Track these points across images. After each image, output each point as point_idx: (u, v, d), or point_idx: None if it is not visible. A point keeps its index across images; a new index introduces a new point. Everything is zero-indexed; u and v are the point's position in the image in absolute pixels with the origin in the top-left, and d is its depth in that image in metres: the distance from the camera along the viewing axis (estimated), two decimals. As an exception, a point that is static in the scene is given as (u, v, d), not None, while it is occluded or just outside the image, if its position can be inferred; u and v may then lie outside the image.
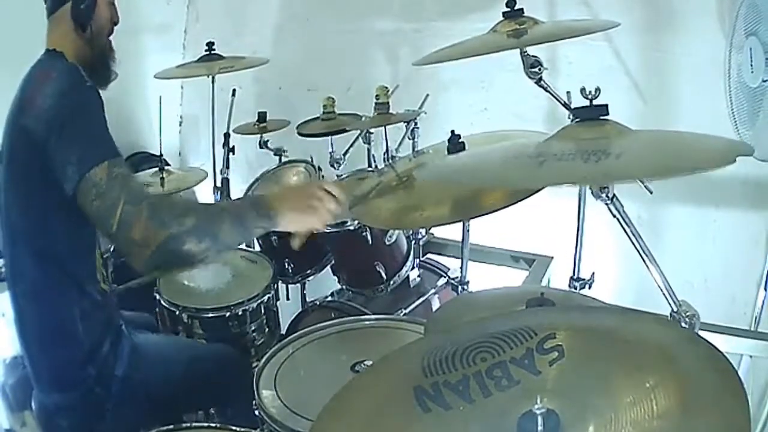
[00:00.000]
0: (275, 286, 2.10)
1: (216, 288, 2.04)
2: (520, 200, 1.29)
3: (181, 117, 3.44)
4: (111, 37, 1.57)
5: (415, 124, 2.08)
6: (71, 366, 1.48)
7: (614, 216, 1.03)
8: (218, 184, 2.54)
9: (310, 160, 2.31)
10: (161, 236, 1.24)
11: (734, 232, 2.20)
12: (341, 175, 2.24)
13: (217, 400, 1.63)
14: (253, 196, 1.36)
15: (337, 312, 1.94)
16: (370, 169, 2.25)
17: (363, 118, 2.16)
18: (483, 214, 1.37)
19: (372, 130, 2.24)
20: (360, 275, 2.07)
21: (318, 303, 2.13)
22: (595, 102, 1.04)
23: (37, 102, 1.36)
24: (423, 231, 2.18)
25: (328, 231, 1.98)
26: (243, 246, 2.36)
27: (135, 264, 1.29)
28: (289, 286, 2.35)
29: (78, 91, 1.39)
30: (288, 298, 2.37)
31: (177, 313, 1.91)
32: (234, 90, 2.48)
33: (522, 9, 1.44)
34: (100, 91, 1.46)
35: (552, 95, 1.40)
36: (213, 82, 2.50)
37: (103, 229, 1.31)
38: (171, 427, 1.29)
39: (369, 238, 1.93)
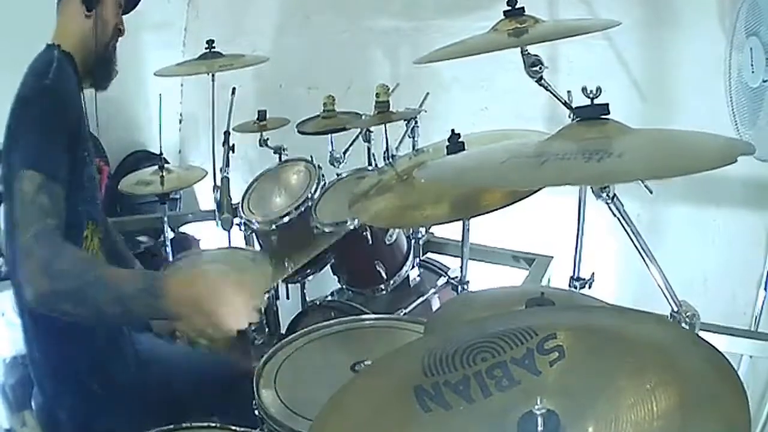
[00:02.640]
0: (275, 285, 2.10)
1: (216, 287, 2.03)
2: (520, 199, 1.29)
3: (180, 115, 3.44)
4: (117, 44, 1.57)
5: (416, 122, 2.09)
6: (69, 365, 1.48)
7: (615, 215, 1.03)
8: (218, 182, 2.53)
9: (310, 158, 2.31)
10: (43, 287, 1.15)
11: (734, 232, 2.21)
12: (341, 174, 2.24)
13: (218, 406, 1.63)
14: (156, 272, 1.31)
15: (337, 312, 1.94)
16: (370, 167, 2.25)
17: (363, 117, 2.15)
18: (483, 213, 1.36)
19: (372, 129, 2.24)
20: (360, 275, 2.07)
21: (318, 303, 2.13)
22: (596, 101, 1.04)
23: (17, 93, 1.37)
24: (423, 230, 2.18)
25: (328, 230, 1.98)
26: (243, 245, 2.38)
27: (21, 284, 1.18)
28: (289, 285, 2.35)
29: (43, 83, 1.35)
30: (288, 298, 2.37)
31: (177, 312, 1.91)
32: (234, 88, 2.47)
33: (523, 8, 1.43)
34: (99, 92, 1.46)
35: (552, 94, 1.40)
36: (213, 80, 2.49)
37: (12, 236, 1.24)
38: (171, 427, 1.28)
39: (369, 237, 1.93)
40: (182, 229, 2.75)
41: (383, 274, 1.99)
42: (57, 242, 1.20)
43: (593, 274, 1.67)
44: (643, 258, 1.01)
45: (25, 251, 1.17)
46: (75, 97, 1.45)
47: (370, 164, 2.29)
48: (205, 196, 3.11)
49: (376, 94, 1.98)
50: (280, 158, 2.42)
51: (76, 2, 1.48)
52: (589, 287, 1.66)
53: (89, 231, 1.51)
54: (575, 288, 1.65)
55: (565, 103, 1.37)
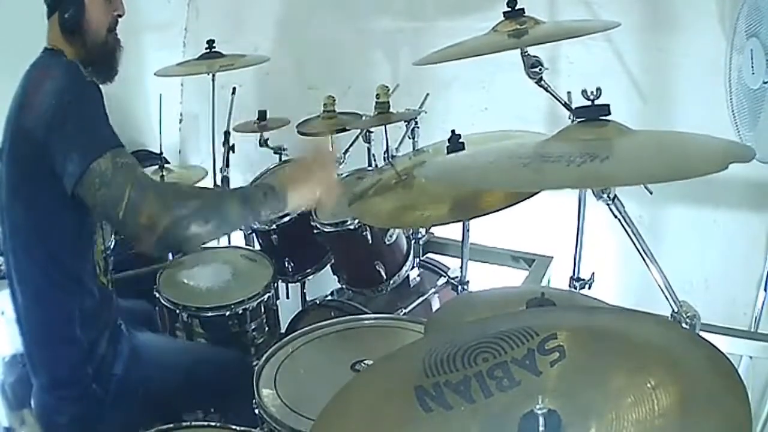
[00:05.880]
0: (275, 285, 2.10)
1: (216, 287, 2.03)
2: (519, 201, 1.29)
3: (181, 115, 3.44)
4: (117, 31, 1.57)
5: (416, 123, 2.09)
6: (69, 364, 1.48)
7: (615, 217, 1.03)
8: (218, 182, 2.54)
9: (310, 158, 2.31)
10: (167, 220, 1.27)
11: (734, 232, 2.21)
12: (341, 174, 2.24)
13: (218, 403, 1.63)
14: (261, 182, 1.46)
15: (337, 311, 1.94)
16: (370, 168, 2.25)
17: (363, 117, 2.15)
18: (482, 215, 1.37)
19: (372, 129, 2.24)
20: (360, 275, 2.07)
21: (318, 302, 2.13)
22: (596, 102, 1.04)
23: (36, 101, 1.37)
24: (423, 230, 2.18)
25: (328, 230, 1.98)
26: (243, 245, 2.38)
27: (143, 247, 1.32)
28: (289, 285, 2.35)
29: (76, 88, 1.39)
30: (288, 297, 2.37)
31: (177, 312, 1.91)
32: (234, 88, 2.48)
33: (523, 9, 1.44)
34: (101, 86, 1.47)
35: (552, 95, 1.40)
36: (213, 80, 2.50)
37: (110, 216, 1.34)
38: (171, 426, 1.28)
39: (369, 237, 1.93)
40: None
41: (383, 274, 1.99)
42: (155, 182, 1.34)
43: (593, 274, 1.67)
44: (643, 259, 1.01)
45: (132, 209, 1.27)
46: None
47: (370, 165, 2.30)
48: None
49: (377, 94, 1.98)
50: (280, 158, 2.43)
51: (58, 27, 1.47)
52: (589, 287, 1.66)
53: (99, 236, 1.53)
54: (575, 288, 1.66)
55: (565, 104, 1.38)
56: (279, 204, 1.39)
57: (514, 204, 1.30)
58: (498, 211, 1.32)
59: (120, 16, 1.56)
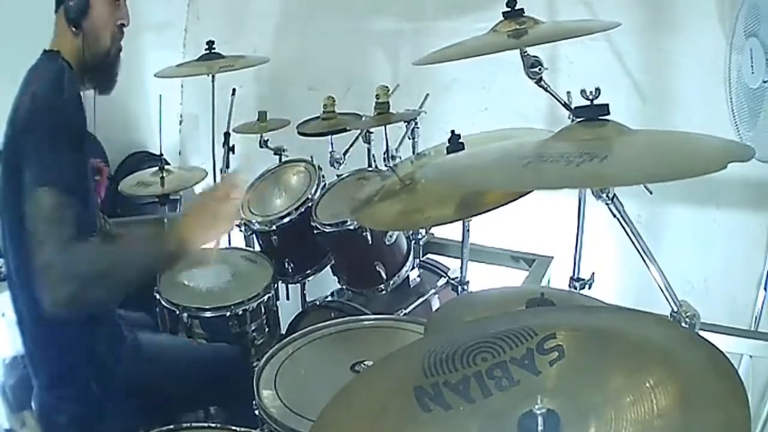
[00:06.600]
0: (275, 285, 2.10)
1: (216, 288, 2.03)
2: (520, 197, 1.28)
3: (181, 116, 3.44)
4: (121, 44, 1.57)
5: (416, 123, 2.09)
6: (69, 364, 1.48)
7: (615, 216, 1.03)
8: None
9: (310, 159, 2.31)
10: (65, 294, 1.24)
11: (734, 232, 2.21)
12: (341, 175, 2.24)
13: (218, 399, 1.63)
14: (163, 233, 1.53)
15: (337, 312, 1.94)
16: (370, 169, 2.25)
17: (363, 118, 2.15)
18: (485, 212, 1.36)
19: (372, 130, 2.24)
20: (360, 275, 2.07)
21: (318, 303, 2.13)
22: (595, 102, 1.04)
23: (24, 103, 1.37)
24: (423, 231, 2.18)
25: (328, 231, 1.98)
26: (243, 245, 2.38)
27: (42, 296, 1.26)
28: (289, 285, 2.35)
29: (58, 100, 1.38)
30: (288, 298, 2.37)
31: (177, 313, 1.91)
32: (234, 89, 2.48)
33: (522, 9, 1.44)
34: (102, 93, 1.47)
35: (552, 95, 1.40)
36: (213, 81, 2.50)
37: (31, 251, 1.30)
38: (171, 427, 1.28)
39: (369, 238, 1.92)
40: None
41: (383, 275, 1.99)
42: (74, 249, 1.28)
43: (593, 274, 1.67)
44: (643, 258, 1.01)
45: (46, 264, 1.25)
46: (81, 104, 1.46)
47: (370, 165, 2.29)
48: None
49: (376, 95, 1.98)
50: (280, 159, 2.43)
51: (64, 21, 1.48)
52: (589, 287, 1.66)
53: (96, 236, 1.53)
54: (575, 288, 1.65)
55: (564, 104, 1.38)
56: (180, 254, 1.41)
57: (518, 198, 1.29)
58: (500, 206, 1.31)
59: (124, 26, 1.56)
